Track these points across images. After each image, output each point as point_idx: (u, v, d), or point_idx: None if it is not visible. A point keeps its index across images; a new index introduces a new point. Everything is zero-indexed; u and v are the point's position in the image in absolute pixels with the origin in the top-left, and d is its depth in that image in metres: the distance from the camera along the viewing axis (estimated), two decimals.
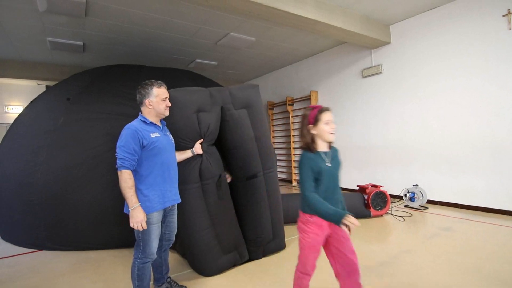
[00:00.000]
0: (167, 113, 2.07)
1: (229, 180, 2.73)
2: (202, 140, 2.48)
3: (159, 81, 2.04)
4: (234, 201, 2.76)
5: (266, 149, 2.84)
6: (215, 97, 2.61)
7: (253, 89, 2.88)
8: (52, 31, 4.89)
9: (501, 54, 3.95)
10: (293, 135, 7.60)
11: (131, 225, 1.80)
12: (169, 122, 2.35)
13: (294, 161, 7.57)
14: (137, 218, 1.79)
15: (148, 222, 1.87)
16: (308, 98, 6.98)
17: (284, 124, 7.94)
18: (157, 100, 1.98)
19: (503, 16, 3.91)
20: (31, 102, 4.46)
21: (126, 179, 1.80)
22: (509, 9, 3.85)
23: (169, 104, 2.06)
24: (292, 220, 3.83)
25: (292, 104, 7.59)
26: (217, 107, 2.61)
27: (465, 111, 4.33)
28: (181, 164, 2.35)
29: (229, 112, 2.67)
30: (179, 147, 2.37)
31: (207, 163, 2.46)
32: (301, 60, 7.34)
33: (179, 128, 2.39)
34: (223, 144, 2.76)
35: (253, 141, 2.75)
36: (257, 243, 2.77)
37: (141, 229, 1.82)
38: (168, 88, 2.12)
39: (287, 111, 7.69)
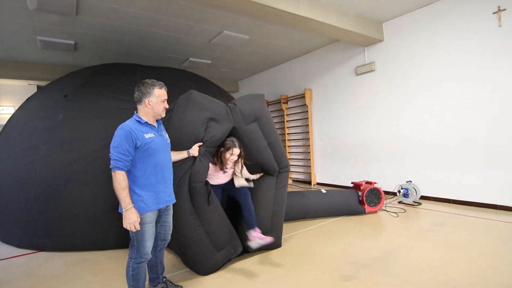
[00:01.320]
0: (163, 115, 2.05)
1: (257, 176, 2.99)
2: (201, 143, 2.48)
3: (160, 82, 2.02)
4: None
5: (280, 152, 3.02)
6: (229, 115, 2.72)
7: (259, 99, 2.98)
8: (43, 30, 4.82)
9: (492, 50, 4.00)
10: (287, 133, 7.61)
11: (124, 226, 1.79)
12: (179, 117, 2.39)
13: (289, 159, 7.59)
14: (130, 220, 1.78)
15: (141, 222, 1.86)
16: (302, 96, 6.99)
17: (279, 122, 7.95)
18: (157, 101, 1.97)
19: (494, 13, 3.96)
20: (27, 100, 4.40)
21: (119, 180, 1.79)
22: (499, 7, 3.90)
23: (167, 106, 2.06)
24: (287, 218, 3.85)
25: (287, 102, 7.60)
26: (228, 124, 2.69)
27: (458, 107, 4.38)
28: (175, 166, 2.34)
29: (242, 129, 2.78)
30: (179, 144, 2.38)
31: (199, 166, 2.47)
32: (295, 58, 7.34)
33: (185, 125, 2.43)
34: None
35: (268, 149, 2.94)
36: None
37: (134, 230, 1.81)
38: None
39: (281, 109, 7.69)
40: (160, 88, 2.00)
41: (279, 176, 3.06)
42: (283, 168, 3.06)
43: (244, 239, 2.77)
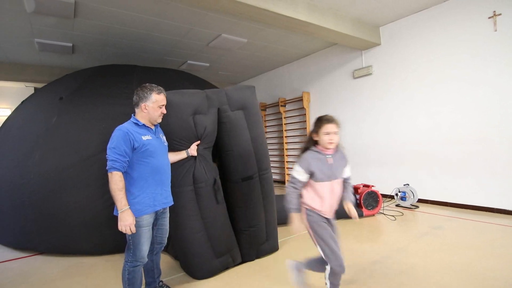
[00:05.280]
0: (159, 120, 2.06)
1: None
2: (199, 142, 2.46)
3: (159, 87, 2.02)
4: (229, 203, 2.73)
5: (261, 150, 2.83)
6: (212, 99, 2.59)
7: (249, 90, 2.88)
8: (40, 32, 4.82)
9: (488, 55, 4.03)
10: (286, 136, 7.62)
11: (120, 228, 1.78)
12: (165, 124, 2.33)
13: (287, 162, 7.59)
14: (126, 222, 1.77)
15: (138, 225, 1.85)
16: (300, 99, 7.01)
17: (276, 125, 7.96)
18: (153, 106, 1.97)
19: (489, 18, 4.00)
20: (22, 102, 4.38)
21: (116, 181, 1.78)
22: (494, 11, 3.94)
23: (165, 112, 2.05)
24: (285, 221, 3.84)
25: (285, 105, 7.61)
26: (214, 109, 2.58)
27: (454, 110, 4.41)
28: (175, 167, 2.32)
29: (226, 113, 2.65)
30: (174, 149, 2.35)
31: (201, 167, 2.44)
32: (293, 62, 7.37)
33: (174, 130, 2.38)
34: (219, 146, 2.74)
35: (249, 143, 2.74)
36: (251, 244, 2.76)
37: (129, 232, 1.80)
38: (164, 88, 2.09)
39: (279, 112, 7.71)
40: (158, 93, 1.99)
41: (262, 184, 2.79)
42: (264, 170, 2.81)
43: (243, 250, 2.72)
